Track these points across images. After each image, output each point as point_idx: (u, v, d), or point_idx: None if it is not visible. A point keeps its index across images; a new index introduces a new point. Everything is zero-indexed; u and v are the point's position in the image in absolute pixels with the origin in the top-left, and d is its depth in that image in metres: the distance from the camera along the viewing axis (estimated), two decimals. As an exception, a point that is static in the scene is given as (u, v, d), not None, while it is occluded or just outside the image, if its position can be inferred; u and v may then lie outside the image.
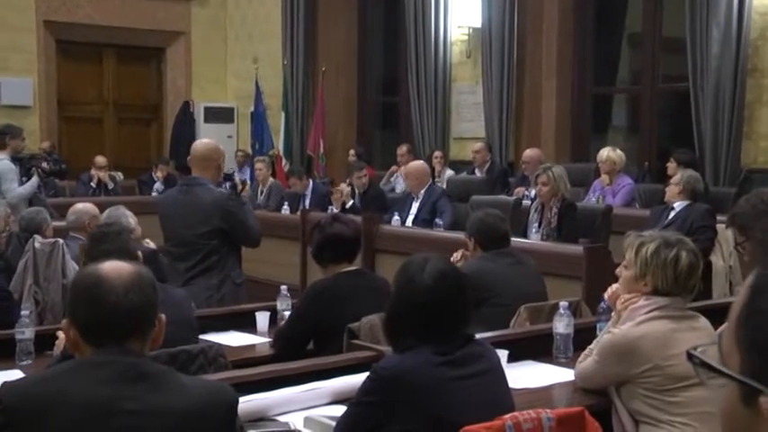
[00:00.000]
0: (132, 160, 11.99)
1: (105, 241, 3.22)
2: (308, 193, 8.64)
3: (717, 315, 3.34)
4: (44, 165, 10.06)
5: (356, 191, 8.18)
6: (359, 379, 2.61)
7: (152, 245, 4.91)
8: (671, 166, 6.91)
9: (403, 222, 7.10)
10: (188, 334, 3.23)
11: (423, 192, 7.23)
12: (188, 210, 4.58)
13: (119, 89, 12.35)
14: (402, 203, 7.45)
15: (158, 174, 10.34)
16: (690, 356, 0.82)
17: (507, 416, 2.20)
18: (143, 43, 12.27)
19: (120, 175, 10.67)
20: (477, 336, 2.54)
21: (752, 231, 3.12)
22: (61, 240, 5.00)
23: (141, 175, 10.73)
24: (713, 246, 5.57)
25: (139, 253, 3.35)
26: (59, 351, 2.96)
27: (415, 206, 7.23)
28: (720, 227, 5.53)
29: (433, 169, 8.73)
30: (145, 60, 12.56)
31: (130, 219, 4.87)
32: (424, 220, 7.01)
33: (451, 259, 4.33)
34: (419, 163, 7.63)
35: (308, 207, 8.18)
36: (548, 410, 2.27)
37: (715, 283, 5.51)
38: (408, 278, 2.39)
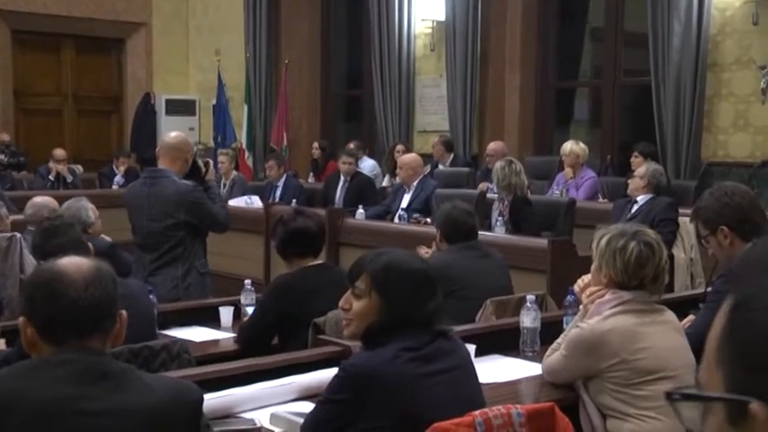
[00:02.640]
0: (92, 153, 11.82)
1: (58, 234, 3.14)
2: (280, 184, 8.58)
3: (679, 308, 3.36)
4: (2, 157, 9.90)
5: (341, 179, 8.14)
6: (325, 375, 2.57)
7: (108, 239, 4.83)
8: (636, 160, 6.95)
9: (393, 214, 7.06)
10: (148, 329, 3.17)
11: (415, 184, 7.18)
12: (152, 202, 4.53)
13: (78, 81, 12.15)
14: (393, 195, 7.42)
15: (119, 167, 10.19)
16: (668, 396, 0.80)
17: (477, 412, 2.17)
18: (102, 34, 12.08)
19: (79, 168, 10.50)
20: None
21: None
22: (18, 234, 4.89)
23: (101, 168, 10.58)
24: (675, 239, 5.61)
25: (90, 245, 3.28)
26: None
27: (406, 198, 7.18)
28: (682, 220, 5.57)
29: (395, 163, 8.72)
30: (105, 51, 12.37)
31: (90, 212, 4.78)
32: (416, 210, 6.97)
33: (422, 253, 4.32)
34: (413, 155, 7.61)
35: (278, 200, 8.14)
36: (518, 406, 2.24)
37: (677, 277, 5.55)
38: (410, 273, 2.31)
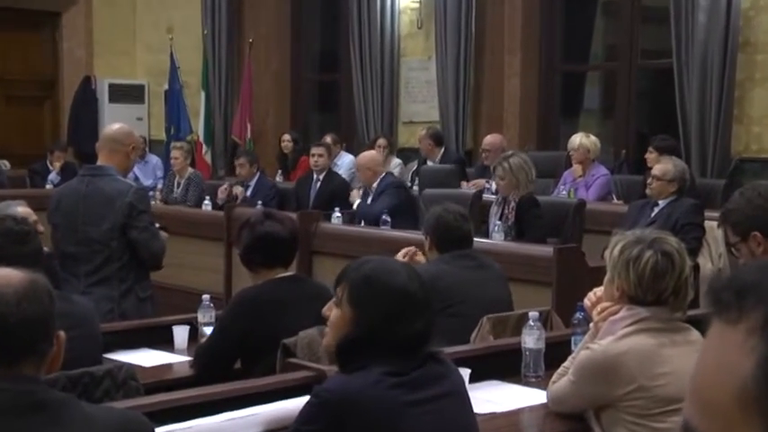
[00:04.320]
0: (22, 146, 11.74)
1: (26, 243, 3.13)
2: (252, 184, 8.58)
3: (704, 326, 3.39)
4: None
5: (314, 177, 8.17)
6: (296, 404, 2.57)
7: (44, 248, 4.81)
8: (651, 156, 6.98)
9: (359, 219, 7.12)
10: (94, 353, 3.16)
11: (375, 185, 7.31)
12: (88, 203, 4.53)
13: (4, 61, 12.07)
14: (363, 198, 7.50)
15: (54, 162, 10.15)
16: None
17: (472, 446, 2.19)
18: (33, 6, 12.02)
19: (6, 164, 10.44)
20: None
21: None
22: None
23: (33, 163, 10.52)
24: (701, 246, 5.64)
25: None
26: None
27: (370, 201, 7.33)
28: (708, 224, 5.60)
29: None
30: (36, 27, 12.31)
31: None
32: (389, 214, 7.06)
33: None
34: (370, 153, 7.76)
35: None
36: (519, 439, 2.26)
37: (702, 290, 5.58)
38: (383, 284, 2.34)
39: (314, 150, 8.21)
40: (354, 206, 7.42)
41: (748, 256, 3.31)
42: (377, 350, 2.27)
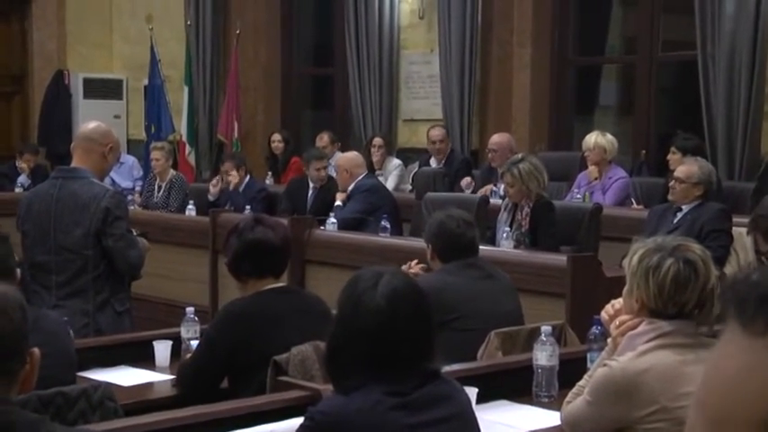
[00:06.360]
0: (-12, 146, 11.76)
1: None
2: (241, 190, 8.58)
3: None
4: None
5: (311, 184, 8.23)
6: (288, 427, 2.58)
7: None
8: (673, 157, 6.99)
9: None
10: (67, 371, 3.17)
11: (351, 188, 7.46)
12: (60, 208, 4.54)
13: (-31, 54, 12.09)
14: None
15: (23, 164, 10.15)
16: None
17: (480, 472, 2.20)
18: (1, -5, 12.03)
19: (-29, 166, 10.45)
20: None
21: None
22: None
23: (0, 165, 10.52)
24: (728, 254, 5.65)
25: (18, 270, 3.29)
26: None
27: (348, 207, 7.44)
28: (736, 231, 5.62)
29: (371, 161, 8.74)
30: (3, 17, 12.30)
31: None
32: (347, 219, 7.17)
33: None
34: (351, 154, 7.88)
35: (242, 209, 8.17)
36: (530, 464, 2.27)
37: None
38: (355, 298, 2.38)
39: (316, 164, 8.18)
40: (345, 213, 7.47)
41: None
42: (370, 369, 2.29)
